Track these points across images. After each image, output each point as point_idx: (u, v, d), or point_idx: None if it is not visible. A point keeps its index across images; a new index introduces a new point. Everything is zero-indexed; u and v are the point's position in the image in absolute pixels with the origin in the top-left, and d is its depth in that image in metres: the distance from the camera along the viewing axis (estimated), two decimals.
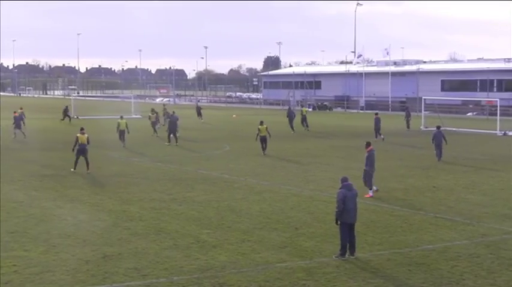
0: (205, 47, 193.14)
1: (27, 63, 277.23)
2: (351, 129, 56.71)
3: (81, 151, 28.71)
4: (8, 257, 15.09)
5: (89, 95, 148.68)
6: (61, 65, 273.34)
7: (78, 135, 28.85)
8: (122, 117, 41.26)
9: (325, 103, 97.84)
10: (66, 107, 63.64)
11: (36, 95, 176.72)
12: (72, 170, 28.84)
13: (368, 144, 23.50)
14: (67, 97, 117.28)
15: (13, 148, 38.69)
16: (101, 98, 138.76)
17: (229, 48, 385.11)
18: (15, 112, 46.19)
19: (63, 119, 61.42)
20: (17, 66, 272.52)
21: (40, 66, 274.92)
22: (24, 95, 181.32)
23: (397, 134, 50.01)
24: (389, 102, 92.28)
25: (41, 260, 14.94)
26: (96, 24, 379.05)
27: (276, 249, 16.14)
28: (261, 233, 17.84)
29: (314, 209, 21.15)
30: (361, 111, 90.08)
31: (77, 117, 64.73)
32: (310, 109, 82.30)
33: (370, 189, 23.18)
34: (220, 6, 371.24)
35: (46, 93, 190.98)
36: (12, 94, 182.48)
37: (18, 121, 45.08)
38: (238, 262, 14.96)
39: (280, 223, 19.01)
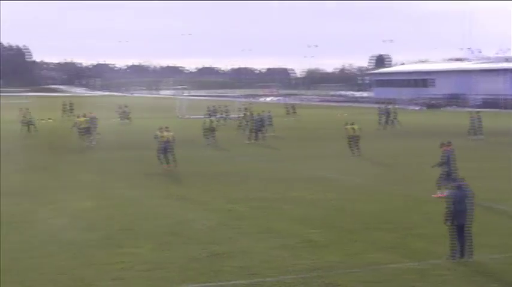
0: (310, 46, 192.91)
1: (134, 64, 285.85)
2: (459, 128, 55.26)
3: (164, 148, 29.64)
4: (119, 253, 15.62)
5: (196, 94, 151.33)
6: (169, 65, 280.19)
7: (157, 133, 30.06)
8: (210, 116, 42.61)
9: (432, 101, 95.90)
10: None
11: (145, 95, 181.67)
12: (164, 166, 29.70)
13: (443, 144, 22.96)
14: (175, 97, 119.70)
15: (120, 147, 39.95)
16: (208, 98, 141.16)
17: (333, 47, 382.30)
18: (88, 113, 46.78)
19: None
20: (128, 66, 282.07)
21: (149, 66, 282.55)
22: (133, 95, 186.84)
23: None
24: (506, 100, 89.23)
25: (152, 257, 15.38)
26: (204, 25, 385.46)
27: (386, 250, 15.96)
28: (370, 233, 17.69)
29: (425, 209, 20.75)
30: (476, 109, 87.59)
31: (182, 117, 66.19)
32: (417, 108, 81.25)
33: (439, 189, 22.38)
34: (325, 6, 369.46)
35: (156, 93, 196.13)
36: (121, 94, 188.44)
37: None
38: (346, 262, 14.90)
39: (389, 223, 18.77)
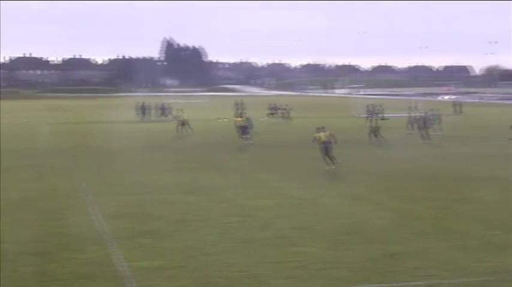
0: (491, 42, 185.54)
1: (309, 63, 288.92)
2: None
3: (325, 149, 29.75)
4: (292, 252, 15.68)
5: (371, 93, 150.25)
6: (345, 63, 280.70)
7: (316, 135, 30.24)
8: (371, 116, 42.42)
9: None
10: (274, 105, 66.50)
11: (320, 94, 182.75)
12: (327, 168, 29.64)
13: None
14: (350, 96, 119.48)
15: (281, 146, 40.36)
16: (384, 97, 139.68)
17: None
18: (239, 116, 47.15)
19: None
20: (303, 66, 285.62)
21: (324, 65, 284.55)
22: (308, 94, 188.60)
23: None
24: None
25: (326, 256, 15.32)
26: (379, 22, 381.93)
27: None
28: None
29: None
30: None
31: (358, 116, 65.84)
32: None
33: None
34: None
35: (331, 92, 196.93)
36: (296, 93, 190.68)
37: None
38: None
39: None
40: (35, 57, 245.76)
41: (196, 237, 17.27)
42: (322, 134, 30.14)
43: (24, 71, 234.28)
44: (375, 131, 41.36)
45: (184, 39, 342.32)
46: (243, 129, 42.63)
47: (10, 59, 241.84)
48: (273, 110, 67.23)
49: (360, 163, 31.41)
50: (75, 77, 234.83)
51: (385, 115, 58.94)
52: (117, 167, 30.97)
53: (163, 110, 71.51)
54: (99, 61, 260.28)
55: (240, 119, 44.15)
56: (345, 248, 15.96)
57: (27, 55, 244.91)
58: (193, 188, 24.73)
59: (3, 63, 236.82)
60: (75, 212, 20.42)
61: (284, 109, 64.96)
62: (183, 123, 50.03)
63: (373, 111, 59.70)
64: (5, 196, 23.37)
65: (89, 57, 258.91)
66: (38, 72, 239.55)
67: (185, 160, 33.49)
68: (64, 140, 45.99)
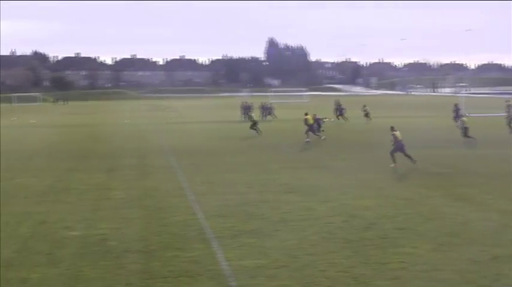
0: None
1: (413, 62, 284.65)
2: None
3: (398, 147, 30.04)
4: (395, 253, 15.48)
5: (477, 92, 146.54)
6: (450, 62, 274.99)
7: (393, 133, 30.40)
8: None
9: None
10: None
11: (425, 93, 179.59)
12: (391, 166, 29.72)
13: None
14: (456, 95, 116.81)
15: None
16: (490, 95, 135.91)
17: None
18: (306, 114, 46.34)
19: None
20: (406, 65, 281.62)
21: (429, 64, 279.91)
22: (411, 93, 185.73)
23: None
24: None
25: (429, 258, 15.05)
26: (487, 19, 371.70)
27: None
28: None
29: None
30: None
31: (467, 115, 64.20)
32: None
33: None
34: None
35: (435, 91, 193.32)
36: (400, 93, 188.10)
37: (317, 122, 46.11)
38: None
39: None
40: (141, 59, 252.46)
41: (298, 237, 17.30)
42: (396, 133, 30.34)
43: (130, 72, 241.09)
44: (464, 131, 40.34)
45: (287, 38, 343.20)
46: (311, 128, 43.53)
47: (116, 61, 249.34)
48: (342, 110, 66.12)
49: (461, 163, 30.65)
50: (180, 78, 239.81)
51: (469, 114, 57.15)
52: (221, 166, 31.38)
53: (266, 110, 72.03)
54: (203, 61, 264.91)
55: (309, 116, 44.40)
56: (449, 250, 15.63)
57: (133, 56, 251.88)
58: (296, 188, 24.78)
59: (110, 65, 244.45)
60: (179, 211, 20.83)
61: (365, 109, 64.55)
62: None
63: (458, 110, 58.11)
64: (111, 194, 24.15)
65: (193, 58, 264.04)
66: (144, 73, 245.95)
67: (289, 160, 33.60)
68: (169, 139, 47.00)
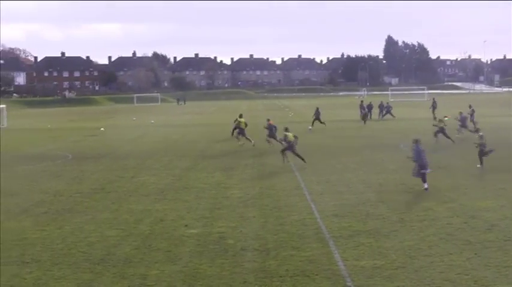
0: None
1: None
2: None
3: (289, 147, 31.60)
4: None
5: None
6: None
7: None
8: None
9: None
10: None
11: None
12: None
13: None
14: None
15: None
16: None
17: None
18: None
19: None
20: None
21: None
22: None
23: None
24: None
25: None
26: None
27: None
28: None
29: None
30: None
31: None
32: None
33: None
34: None
35: None
36: None
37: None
38: None
39: None
40: (259, 58, 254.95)
41: (416, 237, 17.07)
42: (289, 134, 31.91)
43: (247, 72, 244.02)
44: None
45: (406, 36, 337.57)
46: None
47: (234, 60, 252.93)
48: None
49: None
50: (297, 77, 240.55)
51: None
52: (338, 165, 31.31)
53: (385, 109, 71.15)
54: (321, 60, 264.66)
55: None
56: None
57: (251, 56, 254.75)
58: (414, 188, 24.40)
59: (228, 65, 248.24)
60: (295, 210, 20.95)
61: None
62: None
63: None
64: (229, 193, 24.58)
65: (310, 57, 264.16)
66: (262, 72, 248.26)
67: (407, 159, 33.06)
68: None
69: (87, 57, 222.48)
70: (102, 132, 60.80)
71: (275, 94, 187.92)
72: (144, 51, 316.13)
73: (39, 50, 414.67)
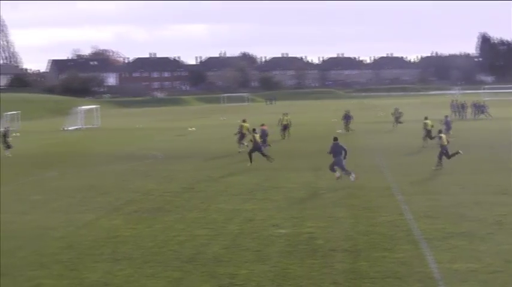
0: None
1: None
2: None
3: (256, 148, 32.53)
4: None
5: None
6: None
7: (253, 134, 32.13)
8: None
9: None
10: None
11: None
12: None
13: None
14: None
15: None
16: None
17: None
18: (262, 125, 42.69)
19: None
20: None
21: None
22: None
23: None
24: None
25: None
26: None
27: None
28: None
29: None
30: None
31: None
32: None
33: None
34: None
35: None
36: None
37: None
38: None
39: None
40: (348, 57, 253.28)
41: None
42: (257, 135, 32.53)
43: (336, 71, 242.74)
44: None
45: (502, 33, 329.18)
46: None
47: (323, 60, 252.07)
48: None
49: None
50: (387, 76, 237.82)
51: None
52: (430, 166, 30.75)
53: (479, 108, 69.47)
54: (411, 59, 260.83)
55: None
56: None
57: (340, 55, 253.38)
58: (511, 189, 23.74)
59: (316, 64, 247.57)
60: (386, 211, 20.69)
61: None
62: None
63: None
64: (318, 193, 24.50)
65: (401, 56, 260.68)
66: (351, 72, 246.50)
67: (504, 160, 32.24)
68: (374, 139, 46.79)
69: (177, 57, 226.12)
70: (192, 132, 61.64)
71: (364, 93, 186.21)
72: (232, 51, 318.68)
73: (129, 51, 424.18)
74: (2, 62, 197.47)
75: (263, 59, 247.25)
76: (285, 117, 50.17)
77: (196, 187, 27.22)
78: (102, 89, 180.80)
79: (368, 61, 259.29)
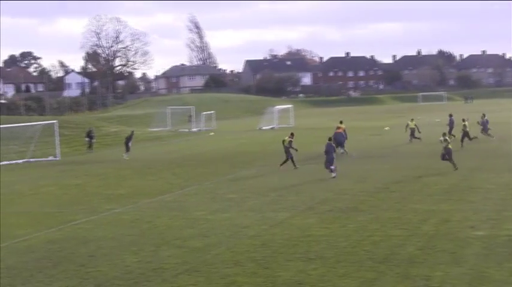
0: None
1: None
2: None
3: None
4: None
5: None
6: None
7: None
8: None
9: None
10: None
11: None
12: None
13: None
14: None
15: None
16: None
17: None
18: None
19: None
20: None
21: None
22: None
23: None
24: None
25: None
26: None
27: None
28: None
29: None
30: None
31: None
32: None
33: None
34: None
35: None
36: None
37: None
38: None
39: None
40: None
41: None
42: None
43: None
44: None
45: None
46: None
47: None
48: None
49: None
50: None
51: None
52: None
53: None
54: None
55: None
56: None
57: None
58: None
59: None
60: None
61: None
62: None
63: None
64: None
65: None
66: None
67: None
68: None
69: (372, 56, 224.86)
70: (387, 131, 61.13)
71: None
72: (429, 49, 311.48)
73: (323, 50, 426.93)
74: (199, 63, 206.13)
75: (460, 57, 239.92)
76: (412, 122, 48.82)
77: (391, 186, 27.04)
78: (297, 89, 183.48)
79: None
